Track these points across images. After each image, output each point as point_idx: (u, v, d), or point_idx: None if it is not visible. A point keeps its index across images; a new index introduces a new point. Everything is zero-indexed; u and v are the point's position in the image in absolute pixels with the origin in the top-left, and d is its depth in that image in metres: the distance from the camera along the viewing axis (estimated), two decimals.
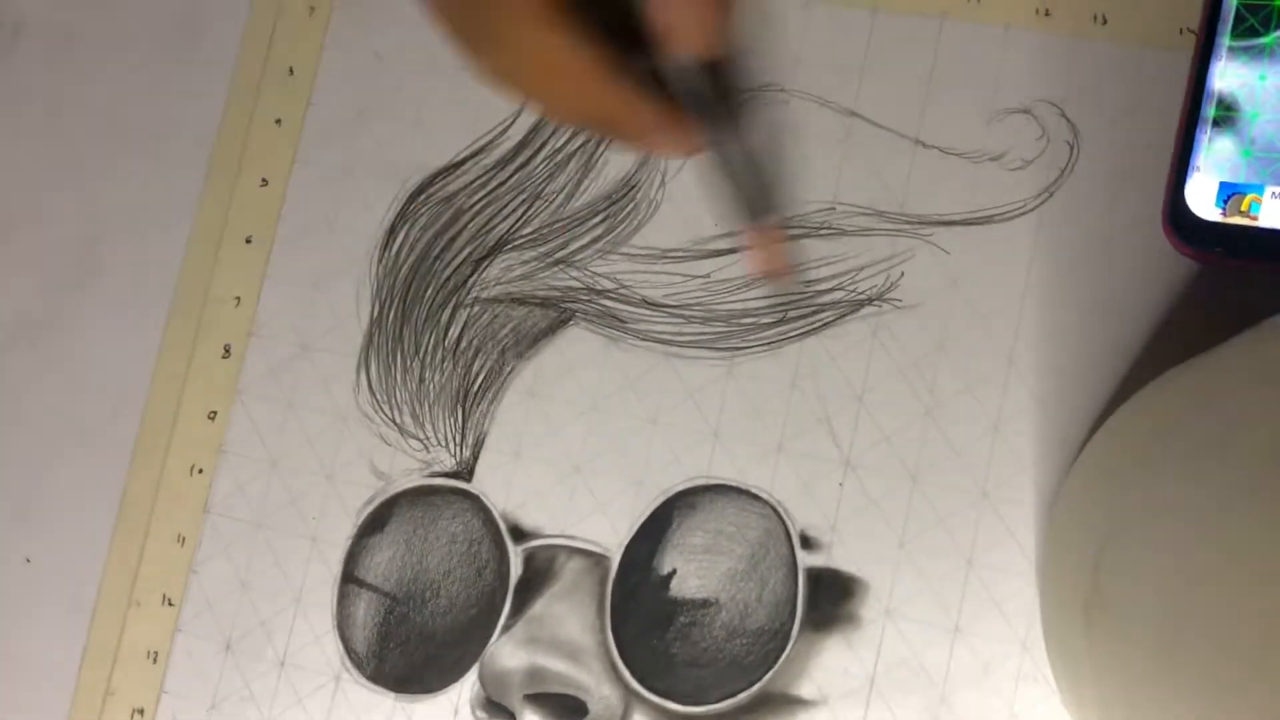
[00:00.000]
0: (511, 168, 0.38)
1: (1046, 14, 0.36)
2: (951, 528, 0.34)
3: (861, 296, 0.36)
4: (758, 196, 0.32)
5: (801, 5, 0.37)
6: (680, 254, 0.37)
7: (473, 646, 0.36)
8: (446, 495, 0.37)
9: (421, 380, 0.38)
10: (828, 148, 0.37)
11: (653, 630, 0.35)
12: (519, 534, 0.36)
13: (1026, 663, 0.33)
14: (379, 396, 0.38)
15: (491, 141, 0.39)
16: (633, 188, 0.37)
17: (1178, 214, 0.32)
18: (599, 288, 0.37)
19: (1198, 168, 0.32)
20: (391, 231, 0.39)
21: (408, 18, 0.40)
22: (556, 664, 0.35)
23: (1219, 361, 0.27)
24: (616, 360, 0.37)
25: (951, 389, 0.35)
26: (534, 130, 0.38)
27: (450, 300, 0.38)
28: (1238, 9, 0.32)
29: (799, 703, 0.34)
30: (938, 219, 0.36)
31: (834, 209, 0.36)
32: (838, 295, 0.36)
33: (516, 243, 0.38)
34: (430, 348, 0.38)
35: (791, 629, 0.34)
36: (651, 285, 0.37)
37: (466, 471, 0.37)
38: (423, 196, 0.39)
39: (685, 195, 0.37)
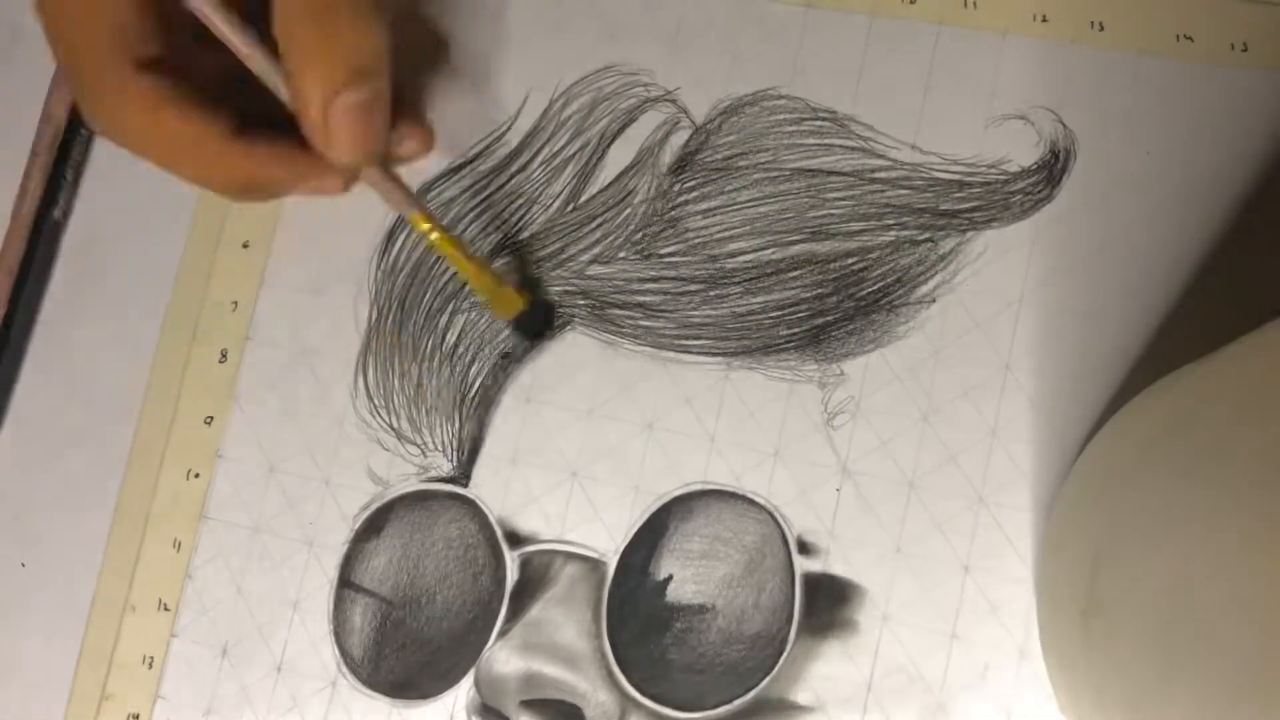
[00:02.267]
0: (509, 172, 0.38)
1: (1044, 20, 0.36)
2: (948, 533, 0.34)
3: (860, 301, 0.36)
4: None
5: (800, 11, 0.37)
6: (678, 258, 0.37)
7: (469, 652, 0.36)
8: (443, 500, 0.37)
9: (419, 385, 0.38)
10: None
11: (649, 636, 0.35)
12: (515, 539, 0.36)
13: (1024, 669, 0.33)
14: (376, 401, 0.38)
15: (489, 147, 0.39)
16: (629, 193, 0.37)
17: None
18: (597, 292, 0.37)
19: None
20: (389, 236, 0.39)
21: (407, 20, 0.40)
22: (552, 669, 0.35)
23: (1216, 367, 0.27)
24: (613, 365, 0.37)
25: (948, 395, 0.35)
26: (531, 135, 0.39)
27: (448, 305, 0.38)
28: None
29: (796, 709, 0.34)
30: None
31: None
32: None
33: (514, 247, 0.38)
34: (427, 353, 0.38)
35: (788, 635, 0.34)
36: (650, 291, 0.37)
37: (463, 476, 0.37)
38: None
39: (685, 197, 0.37)
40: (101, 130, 0.32)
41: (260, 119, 0.32)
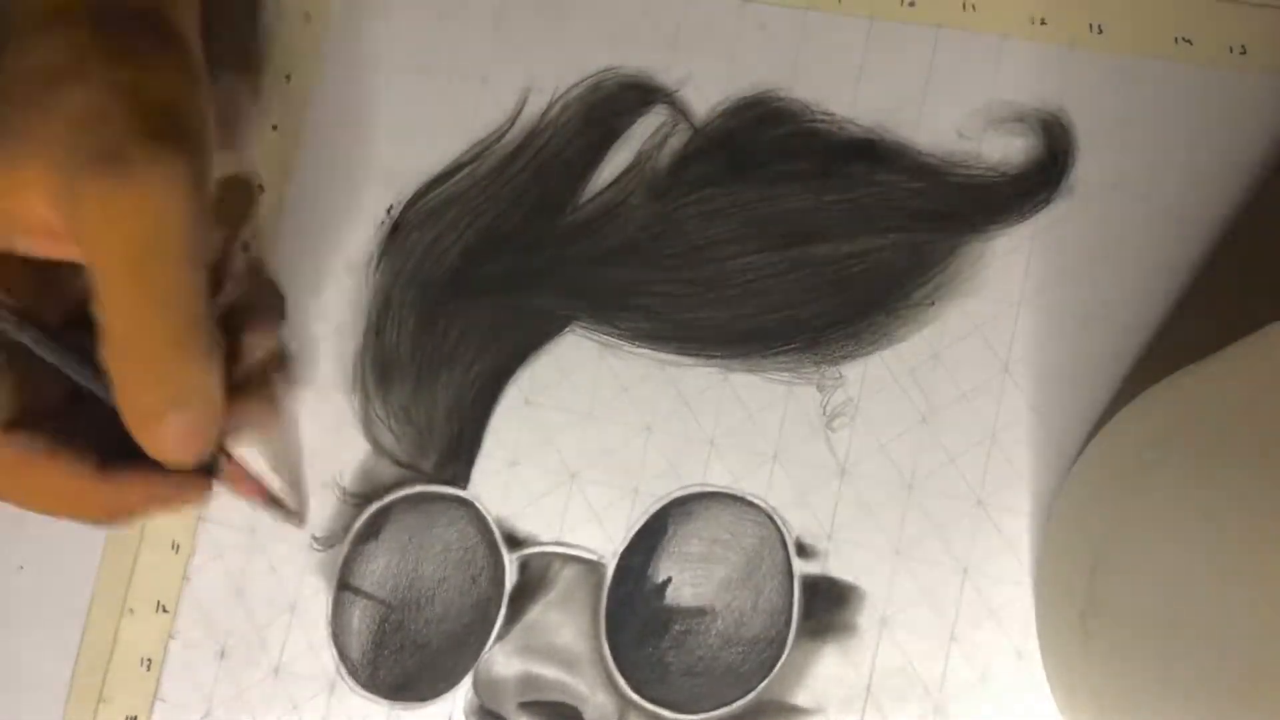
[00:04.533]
0: (508, 174, 0.38)
1: (1042, 23, 0.36)
2: (947, 536, 0.34)
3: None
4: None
5: (799, 13, 0.37)
6: (676, 260, 0.37)
7: (467, 654, 0.36)
8: (442, 502, 0.37)
9: (418, 387, 0.38)
10: None
11: (648, 638, 0.35)
12: (514, 541, 0.36)
13: (1022, 671, 0.33)
14: (375, 403, 0.38)
15: (488, 148, 0.39)
16: (628, 195, 0.37)
17: None
18: (596, 294, 0.37)
19: None
20: (388, 238, 0.39)
21: (404, 24, 0.40)
22: (551, 672, 0.35)
23: (1215, 369, 0.27)
24: (612, 367, 0.37)
25: (947, 397, 0.35)
26: (530, 136, 0.39)
27: (446, 307, 0.38)
28: None
29: (795, 711, 0.34)
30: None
31: None
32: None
33: (512, 249, 0.38)
34: (427, 354, 0.38)
35: (787, 637, 0.34)
36: (649, 293, 0.37)
37: (462, 478, 0.37)
38: (419, 204, 0.39)
39: (683, 200, 0.37)
40: None
41: (120, 440, 0.33)
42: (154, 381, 0.30)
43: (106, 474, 0.32)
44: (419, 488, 0.37)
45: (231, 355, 0.33)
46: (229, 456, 0.35)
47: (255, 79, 0.41)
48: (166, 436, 0.31)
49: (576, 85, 0.38)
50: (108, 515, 0.33)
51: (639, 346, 0.37)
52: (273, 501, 0.37)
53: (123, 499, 0.33)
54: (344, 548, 0.37)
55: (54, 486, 0.32)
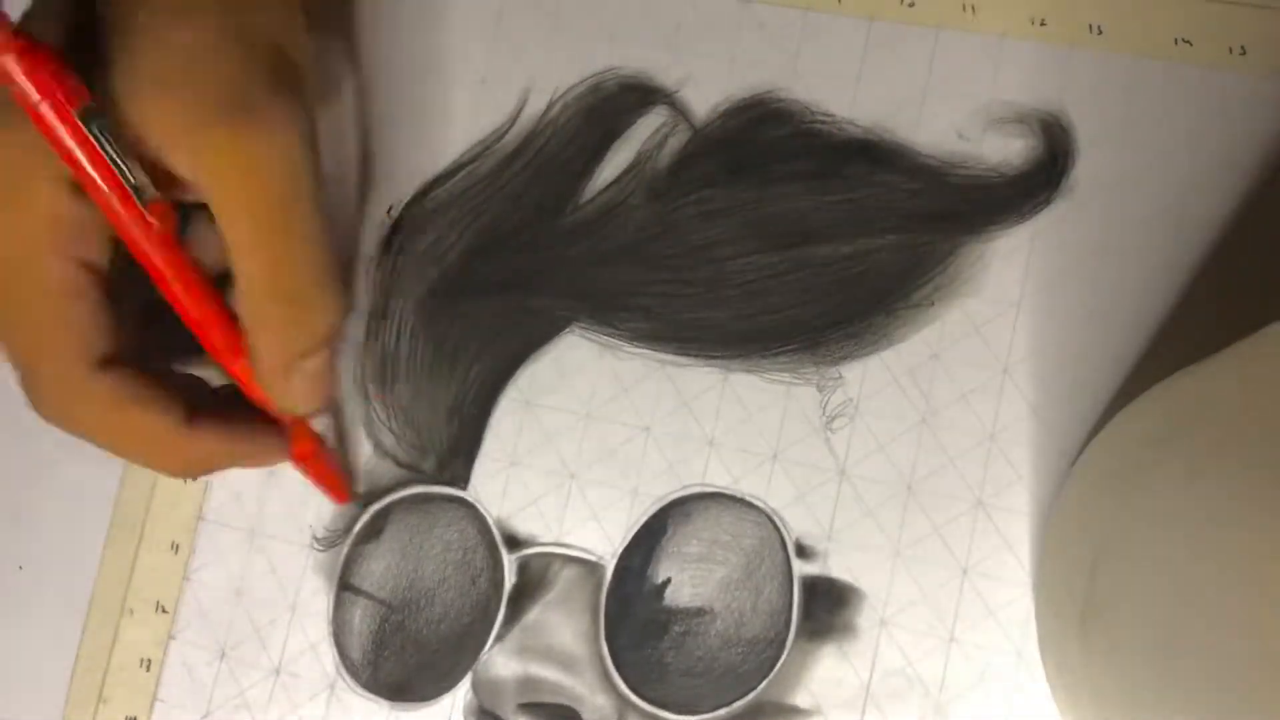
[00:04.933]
0: (507, 175, 0.38)
1: (1042, 24, 0.36)
2: (947, 537, 0.34)
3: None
4: None
5: (798, 14, 0.37)
6: (676, 260, 0.37)
7: (467, 655, 0.36)
8: (442, 503, 0.37)
9: (418, 387, 0.38)
10: None
11: (647, 639, 0.35)
12: (513, 542, 0.36)
13: (1022, 672, 0.33)
14: (375, 404, 0.38)
15: (487, 149, 0.39)
16: (628, 195, 0.37)
17: None
18: (595, 295, 0.37)
19: None
20: (388, 238, 0.39)
21: (404, 25, 0.40)
22: (550, 673, 0.35)
23: (1216, 370, 0.27)
24: (612, 368, 0.37)
25: (947, 398, 0.35)
26: (530, 137, 0.39)
27: (446, 308, 0.38)
28: None
29: (794, 712, 0.34)
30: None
31: None
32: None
33: (512, 250, 0.38)
34: (427, 355, 0.38)
35: (786, 638, 0.34)
36: (648, 293, 0.37)
37: (461, 479, 0.37)
38: (419, 204, 0.39)
39: (683, 200, 0.37)
40: (56, 424, 0.33)
41: (201, 393, 0.34)
42: (296, 325, 0.31)
43: (193, 425, 0.33)
44: (419, 488, 0.37)
45: None
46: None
47: (347, 41, 0.41)
48: (298, 383, 0.32)
49: (576, 85, 0.39)
50: (185, 468, 0.34)
51: (638, 347, 0.37)
52: (335, 474, 0.37)
53: (205, 452, 0.33)
54: (344, 548, 0.37)
55: (140, 431, 0.32)
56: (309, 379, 0.32)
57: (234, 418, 0.34)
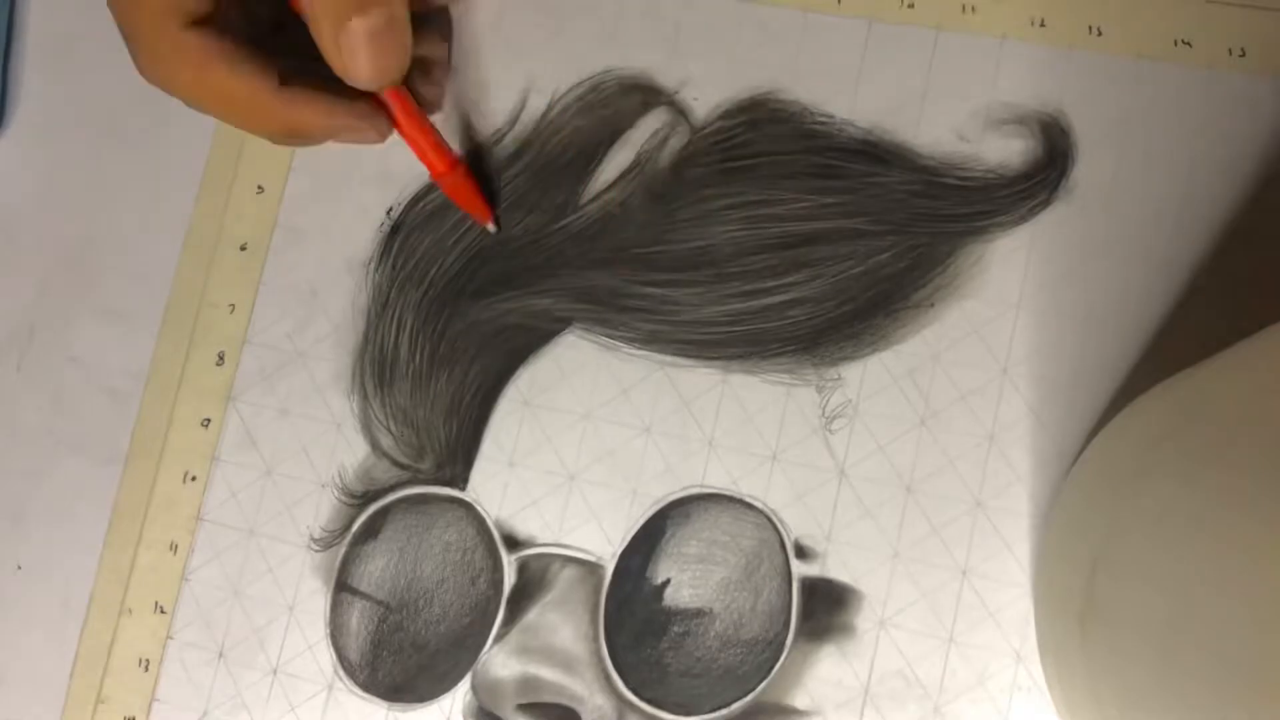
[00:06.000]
0: (507, 176, 0.38)
1: (1041, 25, 0.36)
2: (946, 538, 0.34)
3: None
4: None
5: (798, 15, 0.37)
6: (676, 261, 0.37)
7: (466, 655, 0.36)
8: (441, 503, 0.37)
9: (417, 387, 0.38)
10: None
11: (646, 640, 0.35)
12: (513, 543, 0.36)
13: (1021, 673, 0.33)
14: (374, 404, 0.38)
15: (487, 150, 0.39)
16: (628, 196, 0.37)
17: None
18: (595, 296, 0.37)
19: None
20: (388, 239, 0.39)
21: None
22: (550, 673, 0.35)
23: (1214, 371, 0.27)
24: (611, 369, 0.37)
25: (946, 399, 0.35)
26: (530, 138, 0.39)
27: (446, 308, 0.38)
28: None
29: (793, 713, 0.34)
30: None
31: None
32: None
33: (512, 251, 0.38)
34: (426, 355, 0.38)
35: (786, 639, 0.34)
36: (648, 294, 0.37)
37: (461, 479, 0.37)
38: (419, 205, 0.39)
39: (682, 201, 0.37)
40: (156, 83, 0.34)
41: (304, 68, 0.35)
42: None
43: (286, 89, 0.34)
44: (418, 488, 0.37)
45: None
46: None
47: None
48: (355, 46, 0.32)
49: (576, 86, 0.38)
50: (284, 131, 0.35)
51: (638, 348, 0.37)
52: (435, 145, 0.37)
53: (300, 116, 0.35)
54: (342, 548, 0.37)
55: (234, 90, 0.34)
56: (362, 42, 0.33)
57: (334, 90, 0.35)
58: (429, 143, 0.37)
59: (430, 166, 0.37)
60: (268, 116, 0.34)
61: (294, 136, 0.35)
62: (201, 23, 0.33)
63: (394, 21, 0.33)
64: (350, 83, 0.34)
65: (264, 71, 0.34)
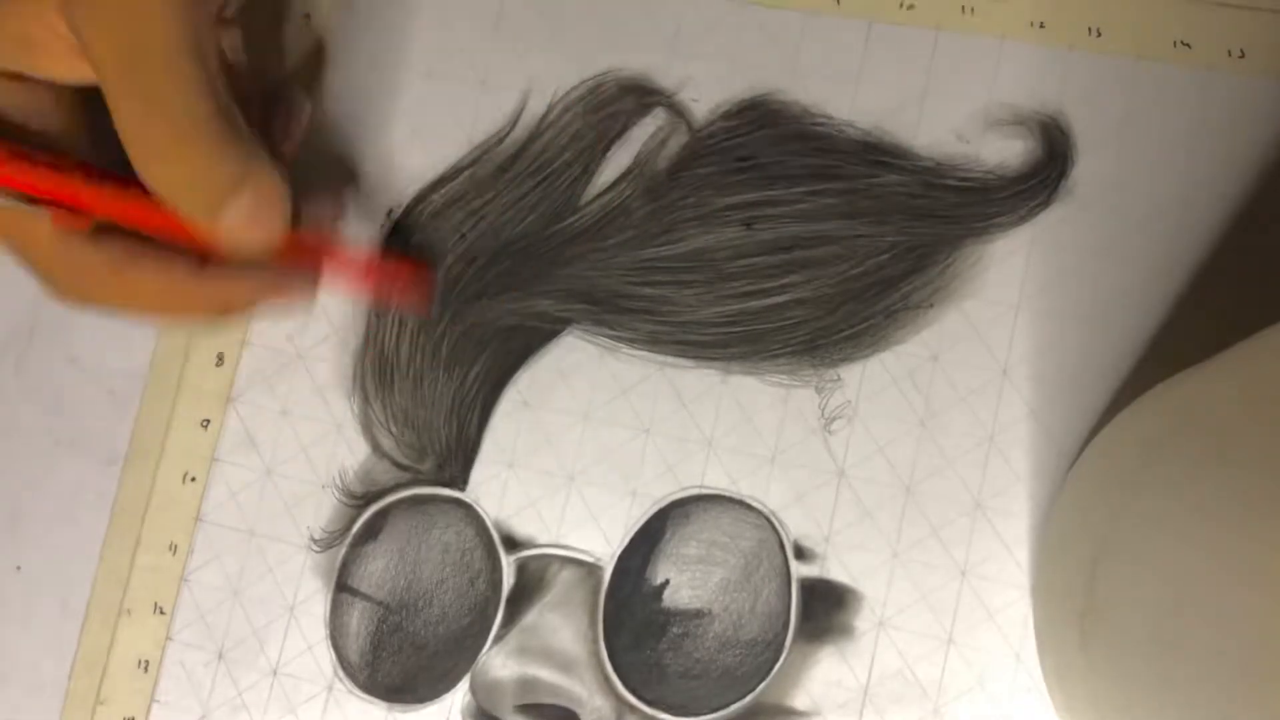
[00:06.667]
0: (506, 177, 0.38)
1: (1041, 26, 0.36)
2: (945, 539, 0.34)
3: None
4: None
5: (798, 15, 0.37)
6: (675, 262, 0.37)
7: (465, 656, 0.36)
8: (440, 504, 0.37)
9: (416, 388, 0.38)
10: None
11: (645, 641, 0.35)
12: (512, 543, 0.36)
13: (1021, 675, 0.33)
14: (373, 405, 0.38)
15: (486, 151, 0.39)
16: (627, 197, 0.37)
17: None
18: (594, 297, 0.37)
19: None
20: (387, 238, 0.39)
21: (404, 27, 0.40)
22: (548, 674, 0.35)
23: (1214, 372, 0.27)
24: (611, 370, 0.37)
25: (946, 400, 0.35)
26: (529, 139, 0.39)
27: (445, 308, 0.38)
28: None
29: (792, 714, 0.34)
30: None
31: None
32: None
33: (511, 252, 0.38)
34: (426, 356, 0.38)
35: (785, 640, 0.34)
36: (647, 295, 0.37)
37: (460, 480, 0.37)
38: (419, 206, 0.39)
39: (682, 202, 0.37)
40: (78, 303, 0.33)
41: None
42: (197, 183, 0.31)
43: (206, 270, 0.33)
44: (417, 489, 0.37)
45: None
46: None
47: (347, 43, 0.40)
48: (224, 236, 0.31)
49: (576, 87, 0.39)
50: (217, 311, 0.34)
51: (637, 349, 0.37)
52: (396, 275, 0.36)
53: (228, 292, 0.33)
54: (342, 549, 0.37)
55: (153, 285, 0.32)
56: (235, 231, 0.31)
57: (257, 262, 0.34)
58: (343, 260, 0.36)
59: (360, 278, 0.37)
60: (196, 300, 0.33)
61: (229, 312, 0.34)
62: (102, 231, 0.32)
63: (265, 188, 0.31)
64: (239, 259, 0.33)
65: (177, 259, 0.32)
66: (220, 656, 0.38)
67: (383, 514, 0.37)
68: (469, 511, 0.37)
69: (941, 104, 0.36)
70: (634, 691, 0.34)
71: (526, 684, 0.35)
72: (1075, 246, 0.35)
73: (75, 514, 0.40)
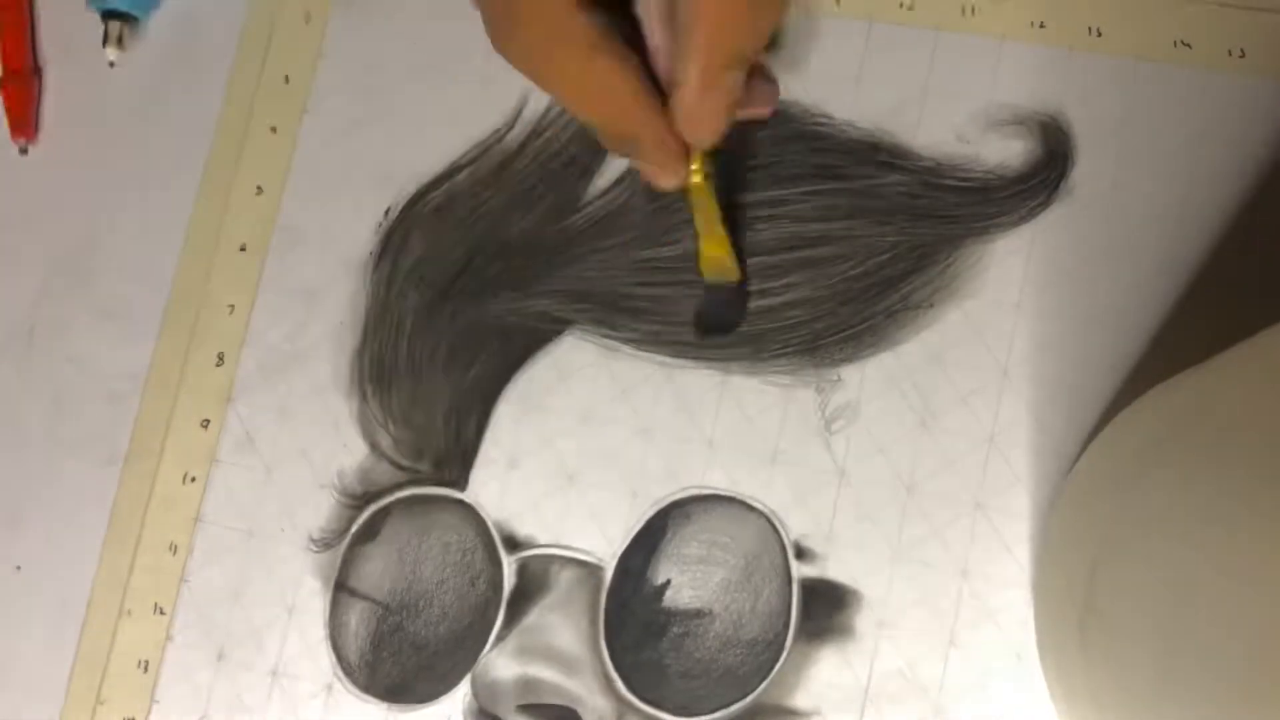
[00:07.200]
0: (507, 176, 0.38)
1: (1041, 26, 0.36)
2: (946, 539, 0.34)
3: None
4: None
5: (799, 17, 0.37)
6: (676, 263, 0.37)
7: (466, 657, 0.36)
8: (440, 504, 0.37)
9: (416, 389, 0.38)
10: None
11: (646, 641, 0.35)
12: (513, 544, 0.36)
13: (1021, 674, 0.33)
14: (373, 405, 0.38)
15: (489, 149, 0.39)
16: (629, 197, 0.37)
17: None
18: (595, 297, 0.37)
19: None
20: (387, 240, 0.39)
21: (404, 25, 0.40)
22: (549, 675, 0.35)
23: (1214, 373, 0.27)
24: (612, 370, 0.37)
25: (946, 400, 0.35)
26: (530, 139, 0.39)
27: (445, 309, 0.38)
28: None
29: (793, 714, 0.34)
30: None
31: None
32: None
33: (511, 251, 0.38)
34: (425, 356, 0.38)
35: (785, 640, 0.34)
36: (648, 295, 0.37)
37: (460, 480, 0.37)
38: (418, 205, 0.39)
39: (680, 206, 0.37)
40: (525, 66, 0.29)
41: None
42: (737, 34, 0.28)
43: (654, 94, 0.29)
44: (417, 489, 0.37)
45: None
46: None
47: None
48: (710, 102, 0.28)
49: None
50: (624, 136, 0.30)
51: (638, 349, 0.37)
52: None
53: (650, 124, 0.29)
54: (342, 549, 0.37)
55: (604, 86, 0.28)
56: (722, 98, 0.28)
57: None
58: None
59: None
60: (625, 117, 0.29)
61: (625, 143, 0.31)
62: (589, 4, 0.28)
63: (767, 93, 0.30)
64: (687, 138, 0.30)
65: (635, 69, 0.29)
66: (220, 656, 0.38)
67: (382, 514, 0.37)
68: (469, 512, 0.37)
69: (942, 104, 0.36)
70: (635, 691, 0.34)
71: (528, 684, 0.35)
72: (1076, 246, 0.35)
73: (75, 514, 0.40)
